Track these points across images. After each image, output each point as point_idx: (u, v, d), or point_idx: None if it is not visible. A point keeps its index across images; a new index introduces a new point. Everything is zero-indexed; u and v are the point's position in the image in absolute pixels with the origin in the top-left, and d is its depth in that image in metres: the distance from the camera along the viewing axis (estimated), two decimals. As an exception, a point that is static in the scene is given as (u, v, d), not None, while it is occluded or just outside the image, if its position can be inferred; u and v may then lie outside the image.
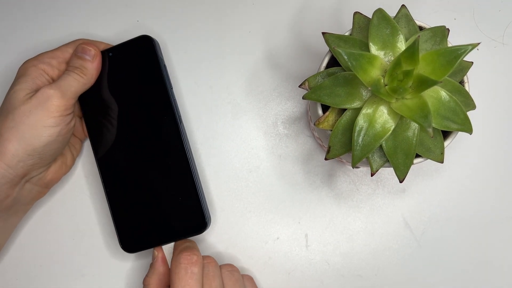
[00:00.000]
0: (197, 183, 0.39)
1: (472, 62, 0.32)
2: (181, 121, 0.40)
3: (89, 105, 0.40)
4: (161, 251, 0.39)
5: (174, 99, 0.40)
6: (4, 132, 0.35)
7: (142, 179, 0.40)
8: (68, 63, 0.39)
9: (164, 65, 0.41)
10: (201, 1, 0.44)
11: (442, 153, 0.31)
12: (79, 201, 0.43)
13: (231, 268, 0.38)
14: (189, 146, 0.40)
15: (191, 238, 0.40)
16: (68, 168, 0.42)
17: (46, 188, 0.41)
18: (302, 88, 0.32)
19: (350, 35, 0.33)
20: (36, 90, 0.36)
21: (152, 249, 0.40)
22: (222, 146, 0.43)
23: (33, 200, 0.40)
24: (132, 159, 0.40)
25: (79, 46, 0.39)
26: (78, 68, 0.38)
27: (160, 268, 0.38)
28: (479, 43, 0.29)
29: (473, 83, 0.40)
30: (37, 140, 0.35)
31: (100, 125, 0.40)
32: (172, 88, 0.41)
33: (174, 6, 0.44)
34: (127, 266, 0.43)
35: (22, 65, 0.38)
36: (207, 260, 0.37)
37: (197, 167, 0.42)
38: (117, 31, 0.44)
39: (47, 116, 0.35)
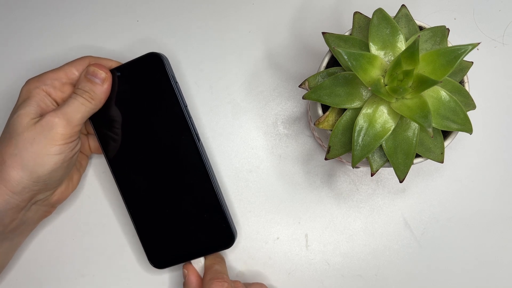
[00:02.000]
0: (220, 200, 0.39)
1: (472, 62, 0.32)
2: (199, 139, 0.39)
3: (104, 126, 0.39)
4: (191, 267, 0.39)
5: (190, 117, 0.39)
6: (8, 158, 0.34)
7: (165, 198, 0.39)
8: (76, 85, 0.37)
9: (176, 82, 0.39)
10: (201, 1, 0.44)
11: (442, 153, 0.31)
12: (79, 201, 0.43)
13: (260, 287, 0.39)
14: (210, 164, 0.40)
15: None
16: (74, 187, 0.41)
17: (53, 207, 0.40)
18: (302, 88, 0.32)
19: (350, 35, 0.33)
20: (40, 114, 0.36)
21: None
22: (222, 146, 0.43)
23: (39, 220, 0.40)
24: (153, 179, 0.39)
25: (89, 68, 0.37)
26: (87, 92, 0.36)
27: (193, 283, 0.38)
28: (479, 43, 0.29)
29: (473, 83, 0.40)
30: (41, 168, 0.35)
31: (117, 146, 0.39)
32: (186, 106, 0.39)
33: (174, 7, 0.44)
34: (127, 266, 0.43)
35: (24, 86, 0.37)
36: (235, 285, 0.38)
37: (219, 182, 0.42)
38: (117, 32, 0.44)
39: (51, 145, 0.35)
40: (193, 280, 0.38)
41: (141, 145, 0.39)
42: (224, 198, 0.41)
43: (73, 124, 0.36)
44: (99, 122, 0.39)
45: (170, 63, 0.40)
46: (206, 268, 0.39)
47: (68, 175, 0.39)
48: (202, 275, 0.39)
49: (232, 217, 0.41)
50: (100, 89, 0.37)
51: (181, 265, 0.41)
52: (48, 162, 0.35)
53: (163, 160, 0.39)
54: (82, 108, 0.36)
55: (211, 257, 0.40)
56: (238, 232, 0.42)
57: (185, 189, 0.39)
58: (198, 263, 0.40)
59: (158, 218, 0.40)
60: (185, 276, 0.39)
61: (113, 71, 0.39)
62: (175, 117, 0.38)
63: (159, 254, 0.40)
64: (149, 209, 0.40)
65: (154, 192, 0.39)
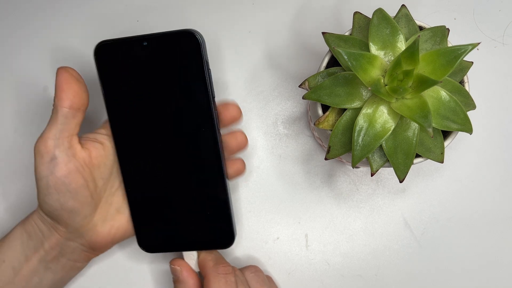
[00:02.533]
0: (229, 197, 0.37)
1: (472, 62, 0.32)
2: (220, 134, 0.36)
3: (115, 100, 0.36)
4: (185, 263, 0.38)
5: (216, 110, 0.36)
6: None
7: (171, 183, 0.37)
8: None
9: (209, 69, 0.35)
10: (201, 1, 0.44)
11: (442, 153, 0.31)
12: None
13: (255, 269, 0.39)
14: (224, 160, 0.37)
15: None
16: (118, 231, 0.38)
17: (92, 249, 0.38)
18: (302, 88, 0.32)
19: (350, 35, 0.33)
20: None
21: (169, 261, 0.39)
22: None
23: (80, 259, 0.38)
24: (162, 163, 0.37)
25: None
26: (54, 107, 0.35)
27: (189, 280, 0.37)
28: (479, 43, 0.29)
29: (473, 83, 0.40)
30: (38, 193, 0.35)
31: (126, 124, 0.36)
32: (214, 97, 0.36)
33: (173, 6, 0.44)
34: (127, 266, 0.43)
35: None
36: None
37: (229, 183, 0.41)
38: (116, 32, 0.44)
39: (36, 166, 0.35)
40: (186, 275, 0.37)
41: (154, 125, 0.36)
42: (231, 197, 0.39)
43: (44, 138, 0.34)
44: (112, 91, 0.36)
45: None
46: (204, 258, 0.38)
47: (80, 204, 0.35)
48: (195, 270, 0.39)
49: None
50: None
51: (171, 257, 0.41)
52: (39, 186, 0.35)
53: (177, 145, 0.36)
54: (50, 120, 0.35)
55: (205, 251, 0.39)
56: (238, 232, 0.42)
57: (195, 178, 0.37)
58: (191, 260, 0.38)
59: (158, 201, 0.37)
60: (178, 273, 0.37)
61: (139, 38, 0.35)
62: (200, 107, 0.35)
63: (151, 237, 0.38)
64: (149, 191, 0.37)
65: (160, 175, 0.37)
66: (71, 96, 0.34)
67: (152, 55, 0.35)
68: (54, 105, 0.34)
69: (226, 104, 0.37)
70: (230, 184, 0.43)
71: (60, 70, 0.35)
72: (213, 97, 0.36)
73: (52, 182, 0.34)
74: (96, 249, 0.38)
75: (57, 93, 0.34)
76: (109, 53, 0.36)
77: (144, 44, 0.35)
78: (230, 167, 0.38)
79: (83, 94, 0.35)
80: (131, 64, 0.35)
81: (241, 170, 0.38)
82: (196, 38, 0.34)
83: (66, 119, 0.34)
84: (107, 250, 0.39)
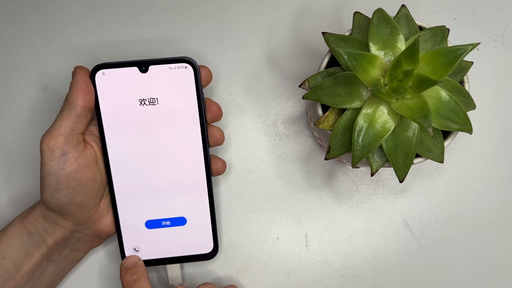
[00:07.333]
0: (213, 208, 0.38)
1: (472, 62, 0.32)
2: (209, 156, 0.38)
3: (109, 118, 0.37)
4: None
5: (207, 133, 0.38)
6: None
7: (156, 201, 0.38)
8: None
9: (203, 93, 0.37)
10: (201, 1, 0.44)
11: (442, 153, 0.31)
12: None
13: None
14: (211, 176, 0.39)
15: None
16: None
17: (99, 238, 0.39)
18: (302, 88, 0.32)
19: (350, 35, 0.33)
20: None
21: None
22: (222, 146, 0.43)
23: (85, 249, 0.39)
24: (148, 177, 0.38)
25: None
26: (66, 100, 0.35)
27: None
28: (479, 43, 0.29)
29: (473, 83, 0.40)
30: (42, 192, 0.35)
31: (119, 141, 0.37)
32: (206, 124, 0.38)
33: (173, 6, 0.44)
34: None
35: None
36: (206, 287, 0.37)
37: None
38: (116, 31, 0.44)
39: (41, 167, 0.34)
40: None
41: (146, 142, 0.37)
42: (215, 208, 0.40)
43: (53, 134, 0.34)
44: (106, 108, 0.37)
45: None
46: None
47: (86, 199, 0.36)
48: (176, 284, 0.39)
49: (218, 229, 0.40)
50: (71, 84, 0.35)
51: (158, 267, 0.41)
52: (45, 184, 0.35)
53: (167, 161, 0.37)
54: (60, 116, 0.35)
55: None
56: (237, 232, 0.42)
57: (178, 191, 0.38)
58: (174, 272, 0.39)
59: (142, 214, 0.38)
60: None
61: (137, 62, 0.36)
62: (192, 130, 0.37)
63: (134, 252, 0.39)
64: (136, 205, 0.38)
65: (147, 188, 0.38)
66: (89, 96, 0.35)
67: (150, 79, 0.36)
68: (67, 102, 0.35)
69: (210, 104, 0.38)
70: (227, 186, 0.43)
71: (78, 69, 0.36)
72: (206, 120, 0.37)
73: (62, 178, 0.34)
74: (101, 237, 0.39)
75: (74, 91, 0.35)
76: (106, 75, 0.36)
77: (143, 68, 0.36)
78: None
79: (93, 95, 0.36)
80: (127, 85, 0.36)
81: (221, 171, 0.39)
82: (194, 66, 0.36)
83: (79, 118, 0.35)
84: (110, 237, 0.39)
